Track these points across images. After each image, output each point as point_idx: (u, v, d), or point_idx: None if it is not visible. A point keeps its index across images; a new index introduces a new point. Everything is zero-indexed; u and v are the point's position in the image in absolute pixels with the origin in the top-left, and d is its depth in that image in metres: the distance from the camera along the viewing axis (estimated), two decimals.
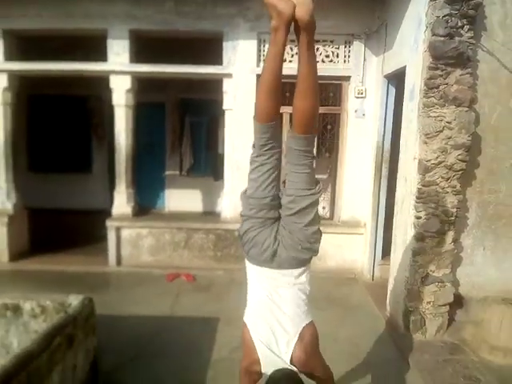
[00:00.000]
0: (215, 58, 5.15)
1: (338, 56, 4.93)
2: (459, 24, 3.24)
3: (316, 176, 1.85)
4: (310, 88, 1.69)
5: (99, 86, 6.12)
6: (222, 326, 3.82)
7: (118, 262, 5.20)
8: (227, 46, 5.03)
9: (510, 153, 3.67)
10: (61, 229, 6.42)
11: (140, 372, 3.11)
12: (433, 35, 3.25)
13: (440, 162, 3.35)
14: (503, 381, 3.02)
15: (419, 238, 3.50)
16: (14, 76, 5.21)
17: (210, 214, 6.61)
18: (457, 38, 3.23)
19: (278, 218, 1.86)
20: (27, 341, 2.46)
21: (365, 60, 4.85)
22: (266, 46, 5.00)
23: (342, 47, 4.93)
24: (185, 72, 5.11)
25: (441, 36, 3.22)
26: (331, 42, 4.89)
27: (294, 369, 1.78)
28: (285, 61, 3.87)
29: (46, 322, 2.79)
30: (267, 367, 1.79)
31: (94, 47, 5.11)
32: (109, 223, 5.16)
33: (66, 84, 6.53)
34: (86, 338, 2.79)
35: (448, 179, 3.39)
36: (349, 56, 4.93)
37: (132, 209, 5.30)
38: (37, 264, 5.14)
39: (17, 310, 2.87)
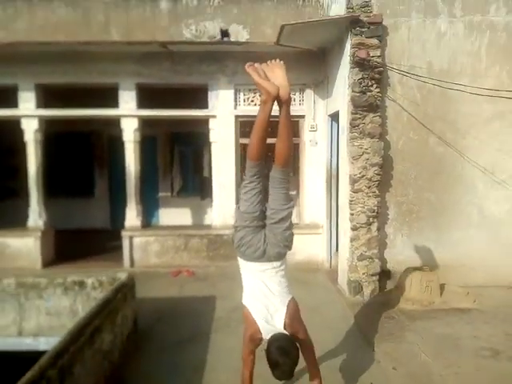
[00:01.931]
0: (202, 101, 6.69)
1: (294, 100, 6.58)
2: (369, 84, 4.89)
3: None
4: (287, 139, 2.35)
5: (100, 123, 7.50)
6: (219, 300, 5.22)
7: (132, 264, 6.54)
8: (211, 94, 6.59)
9: (413, 168, 5.29)
10: (73, 244, 7.57)
11: (164, 327, 4.45)
12: (352, 91, 4.88)
13: (363, 176, 4.95)
14: (409, 318, 4.52)
15: (353, 228, 5.05)
16: (42, 120, 6.61)
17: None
18: (368, 93, 4.87)
19: (264, 226, 2.43)
20: (89, 306, 3.82)
21: (314, 103, 6.52)
22: (242, 93, 6.61)
23: (297, 93, 6.61)
24: (180, 114, 6.66)
25: (357, 92, 4.86)
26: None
27: (287, 333, 2.34)
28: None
29: (102, 292, 4.15)
30: (267, 334, 2.34)
31: (107, 96, 6.57)
32: (123, 233, 6.54)
33: (72, 122, 7.63)
34: (132, 299, 4.17)
35: (369, 187, 4.98)
36: (303, 100, 6.62)
37: (141, 222, 6.69)
38: (66, 269, 6.41)
39: (82, 284, 4.23)
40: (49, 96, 6.72)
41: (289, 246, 2.47)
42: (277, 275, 2.45)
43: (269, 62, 2.37)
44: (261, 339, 2.42)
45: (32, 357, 2.87)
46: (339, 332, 4.31)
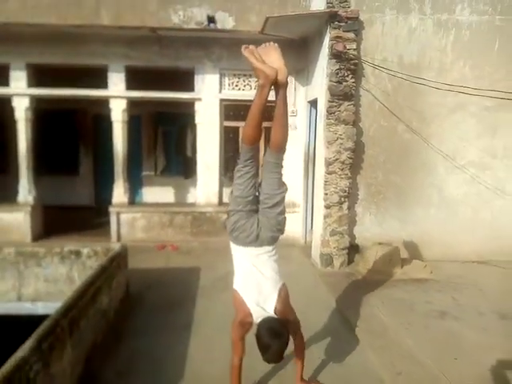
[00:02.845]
0: (189, 84, 6.99)
1: None
2: (345, 74, 5.32)
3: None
4: (283, 124, 2.33)
5: (85, 102, 7.68)
6: (203, 271, 5.66)
7: (119, 238, 6.90)
8: (198, 78, 6.90)
9: (382, 153, 5.81)
10: (60, 220, 7.81)
11: (153, 293, 4.88)
12: (329, 81, 5.31)
13: (337, 159, 5.43)
14: (372, 286, 5.09)
15: (327, 206, 5.55)
16: (33, 99, 6.80)
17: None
18: (344, 83, 5.31)
19: (257, 210, 2.41)
20: (85, 274, 4.21)
21: (295, 89, 6.92)
22: (226, 78, 6.94)
23: None
24: (167, 96, 6.95)
25: (334, 82, 5.29)
26: None
27: (277, 317, 2.37)
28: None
29: (97, 261, 4.54)
30: (257, 318, 2.34)
31: (96, 76, 6.78)
32: (111, 209, 6.88)
33: (57, 101, 7.54)
34: (124, 267, 4.57)
35: (342, 169, 5.47)
36: None
37: (128, 198, 7.03)
38: (56, 242, 6.72)
39: (78, 253, 4.61)
40: (40, 75, 6.85)
41: (281, 230, 2.47)
42: (270, 259, 2.45)
43: (263, 45, 2.31)
44: (251, 323, 2.43)
45: (31, 320, 3.26)
46: (311, 299, 4.81)
